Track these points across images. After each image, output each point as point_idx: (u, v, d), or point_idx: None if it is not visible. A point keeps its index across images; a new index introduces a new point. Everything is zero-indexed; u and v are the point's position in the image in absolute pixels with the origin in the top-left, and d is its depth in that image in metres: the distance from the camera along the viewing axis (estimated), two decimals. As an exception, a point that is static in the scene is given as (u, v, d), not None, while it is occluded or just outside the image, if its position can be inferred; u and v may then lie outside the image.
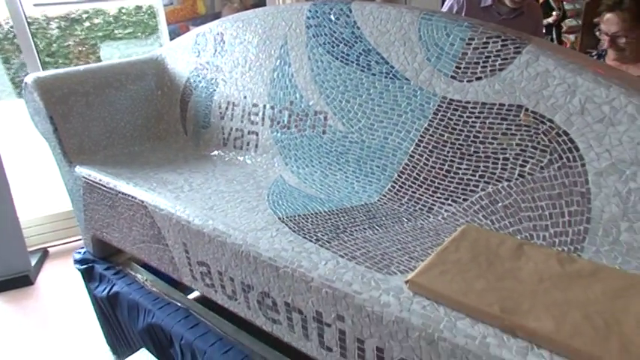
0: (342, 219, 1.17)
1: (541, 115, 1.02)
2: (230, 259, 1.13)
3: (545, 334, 0.73)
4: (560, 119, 0.99)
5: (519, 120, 1.05)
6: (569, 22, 6.85)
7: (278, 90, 1.52)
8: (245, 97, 1.63)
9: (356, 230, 1.10)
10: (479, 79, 1.11)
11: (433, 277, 0.87)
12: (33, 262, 2.86)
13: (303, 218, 1.17)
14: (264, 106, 1.57)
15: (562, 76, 0.99)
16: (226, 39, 1.70)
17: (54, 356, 2.10)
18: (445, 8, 1.89)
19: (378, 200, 1.27)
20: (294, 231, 1.10)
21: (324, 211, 1.21)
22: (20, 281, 2.75)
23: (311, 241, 1.05)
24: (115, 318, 1.80)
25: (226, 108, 1.68)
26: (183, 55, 1.86)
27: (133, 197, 1.39)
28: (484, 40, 1.11)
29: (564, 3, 7.25)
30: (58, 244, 3.15)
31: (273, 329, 1.13)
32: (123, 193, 1.44)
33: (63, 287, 2.67)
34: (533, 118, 1.03)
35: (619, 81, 0.94)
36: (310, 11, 1.45)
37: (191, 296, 1.67)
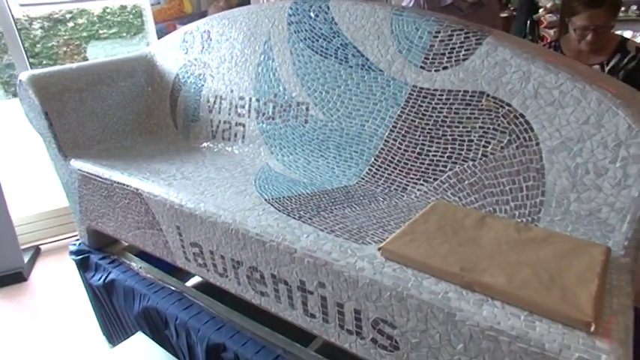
0: (323, 199, 1.27)
1: (500, 100, 1.13)
2: (221, 238, 1.22)
3: (498, 288, 0.83)
4: (517, 103, 1.10)
5: (481, 105, 1.16)
6: (549, 18, 7.02)
7: (263, 83, 1.62)
8: (232, 91, 1.72)
9: (336, 209, 1.20)
10: (445, 68, 1.22)
11: (403, 244, 0.97)
12: (26, 259, 2.92)
13: (287, 199, 1.27)
14: (250, 99, 1.66)
15: (518, 64, 1.10)
16: (213, 36, 1.79)
17: (50, 349, 2.17)
18: (406, 3, 1.96)
19: (357, 183, 1.37)
20: (279, 210, 1.20)
21: (307, 193, 1.31)
22: (14, 278, 2.80)
23: (294, 218, 1.15)
24: (111, 305, 1.88)
25: (214, 102, 1.77)
26: (172, 53, 1.94)
27: (128, 186, 1.48)
28: (449, 32, 1.22)
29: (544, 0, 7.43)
30: (50, 242, 3.20)
31: (261, 302, 1.23)
32: (118, 183, 1.52)
33: (56, 283, 2.74)
34: (494, 103, 1.14)
35: (567, 68, 1.05)
36: (291, 9, 1.55)
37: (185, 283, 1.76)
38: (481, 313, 0.81)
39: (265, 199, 1.27)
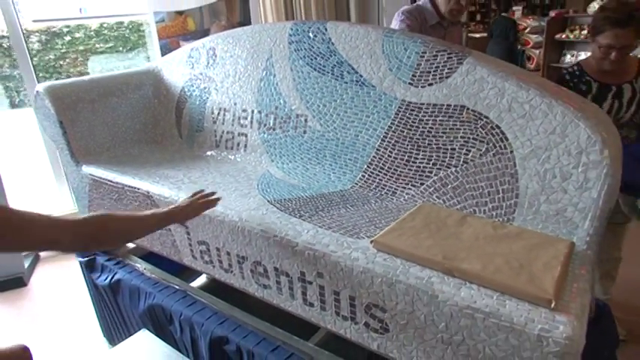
0: (320, 201, 1.39)
1: (479, 113, 1.27)
2: (227, 235, 1.34)
3: (475, 273, 0.96)
4: (494, 116, 1.25)
5: (462, 117, 1.30)
6: (535, 38, 7.29)
7: (265, 97, 1.75)
8: (235, 104, 1.85)
9: (332, 209, 1.33)
10: (430, 85, 1.36)
11: (393, 238, 1.10)
12: (26, 265, 2.99)
13: (288, 201, 1.39)
14: (253, 111, 1.79)
15: (494, 81, 1.25)
16: (218, 53, 1.93)
17: (51, 351, 2.25)
18: (399, 27, 2.05)
19: (351, 187, 1.50)
20: (281, 210, 1.32)
21: (306, 196, 1.43)
22: (14, 283, 2.88)
23: (295, 217, 1.28)
24: (116, 304, 1.98)
25: (218, 113, 1.91)
26: (178, 68, 2.08)
27: (139, 189, 1.60)
28: (434, 53, 1.36)
29: (530, 20, 7.71)
30: (49, 249, 3.27)
31: (264, 294, 1.34)
32: (129, 187, 1.64)
33: (55, 288, 2.82)
34: (473, 116, 1.28)
35: (536, 85, 1.20)
36: (292, 29, 1.69)
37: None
38: (460, 295, 0.93)
39: (268, 201, 1.39)
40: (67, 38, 10.14)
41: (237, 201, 1.39)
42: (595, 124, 1.11)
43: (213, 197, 1.26)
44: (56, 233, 0.90)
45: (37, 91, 1.88)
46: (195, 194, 1.28)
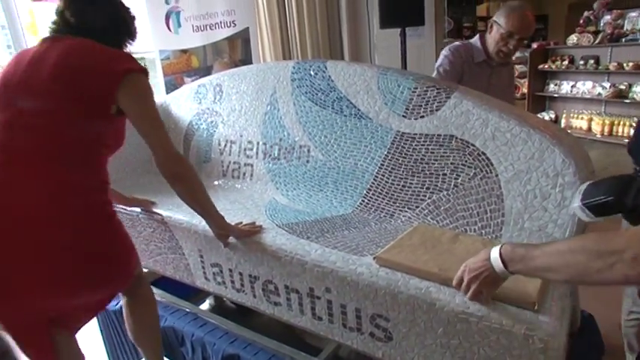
0: (325, 225, 1.52)
1: (466, 141, 1.42)
2: (240, 257, 1.45)
3: None
4: (480, 143, 1.39)
5: (452, 145, 1.45)
6: (520, 69, 7.61)
7: (269, 129, 1.90)
8: (241, 136, 1.99)
9: (336, 231, 1.45)
10: (422, 117, 1.51)
11: (393, 254, 1.22)
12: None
13: (295, 225, 1.51)
14: (258, 143, 1.93)
15: (479, 113, 1.40)
16: (224, 89, 2.08)
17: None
18: (441, 62, 2.12)
19: (352, 211, 1.63)
20: (289, 233, 1.44)
21: (311, 220, 1.56)
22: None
23: (303, 238, 1.40)
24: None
25: (225, 145, 2.04)
26: (186, 103, 2.22)
27: (153, 216, 1.71)
28: (425, 88, 1.52)
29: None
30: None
31: (274, 311, 1.45)
32: (143, 214, 1.75)
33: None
34: (461, 144, 1.43)
35: (516, 116, 1.36)
36: (294, 67, 1.85)
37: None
38: (455, 301, 1.05)
39: (277, 225, 1.51)
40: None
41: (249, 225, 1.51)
42: (568, 149, 1.26)
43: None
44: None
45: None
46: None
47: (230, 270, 1.51)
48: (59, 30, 1.31)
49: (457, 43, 2.17)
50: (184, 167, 1.35)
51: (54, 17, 1.31)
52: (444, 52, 2.15)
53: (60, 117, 1.22)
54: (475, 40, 2.12)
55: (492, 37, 2.02)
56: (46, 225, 1.19)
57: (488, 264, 0.96)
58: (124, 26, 1.37)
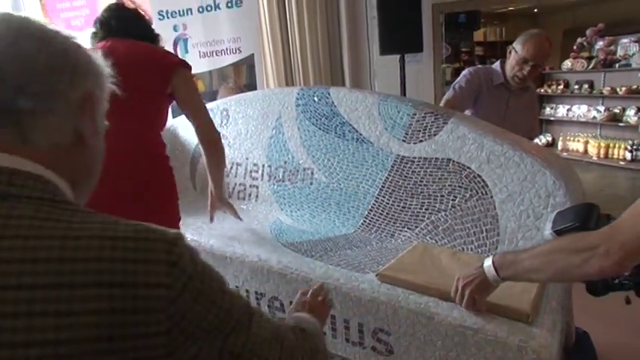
0: (328, 244, 1.58)
1: (463, 164, 1.50)
2: (247, 274, 1.52)
3: None
4: (475, 166, 1.47)
5: (449, 168, 1.53)
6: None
7: (274, 152, 1.98)
8: (247, 159, 2.07)
9: (339, 250, 1.52)
10: (421, 141, 1.59)
11: (394, 271, 1.29)
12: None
13: (300, 244, 1.58)
14: (263, 165, 2.01)
15: (474, 138, 1.48)
16: (231, 114, 2.17)
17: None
18: (458, 80, 2.16)
19: (354, 231, 1.69)
20: (294, 251, 1.51)
21: (315, 240, 1.62)
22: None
23: (308, 257, 1.46)
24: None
25: (231, 167, 2.12)
26: (194, 127, 2.31)
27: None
28: (423, 114, 1.61)
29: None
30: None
31: (279, 327, 1.50)
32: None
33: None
34: (458, 167, 1.51)
35: (509, 141, 1.44)
36: (299, 94, 1.94)
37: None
38: (452, 315, 1.11)
39: (282, 244, 1.58)
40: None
41: (255, 244, 1.58)
42: (559, 171, 1.33)
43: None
44: None
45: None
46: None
47: (237, 287, 1.57)
48: (104, 34, 1.53)
49: (479, 66, 2.26)
50: (220, 139, 1.67)
51: (97, 25, 1.56)
52: (465, 72, 2.23)
53: (136, 94, 1.37)
54: (496, 64, 2.19)
55: (509, 62, 2.09)
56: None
57: (481, 270, 1.04)
58: (156, 39, 1.64)
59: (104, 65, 0.61)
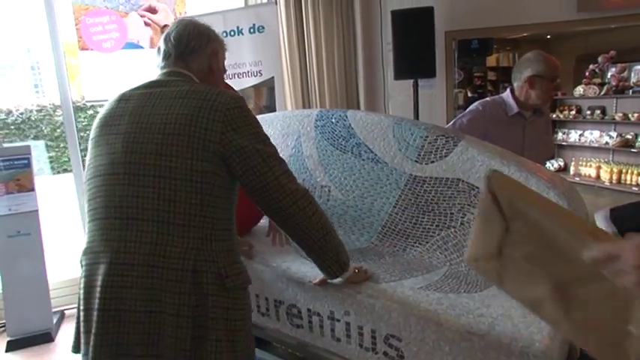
0: (344, 256, 1.68)
1: (471, 184, 1.60)
2: (266, 282, 1.62)
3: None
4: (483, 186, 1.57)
5: (459, 188, 1.63)
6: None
7: (294, 170, 2.06)
8: (267, 175, 2.19)
9: (354, 262, 1.61)
10: (433, 162, 1.70)
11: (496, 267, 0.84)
12: (54, 322, 3.20)
13: (317, 255, 1.68)
14: (282, 182, 2.13)
15: (482, 160, 1.59)
16: (253, 133, 2.30)
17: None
18: (462, 118, 2.17)
19: (368, 246, 1.79)
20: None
21: (331, 252, 1.72)
22: (43, 338, 3.07)
23: (325, 267, 1.56)
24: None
25: (252, 183, 2.24)
26: (217, 144, 2.44)
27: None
28: (435, 137, 1.72)
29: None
30: (74, 308, 3.47)
31: (297, 334, 1.59)
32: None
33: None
34: (468, 187, 1.61)
35: (515, 163, 1.54)
36: (317, 115, 2.07)
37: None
38: (459, 322, 1.20)
39: (301, 256, 1.68)
40: (90, 112, 10.85)
41: (275, 255, 1.69)
42: (562, 191, 1.43)
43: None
44: None
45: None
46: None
47: (257, 295, 1.67)
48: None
49: (487, 99, 2.26)
50: None
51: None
52: (472, 107, 2.21)
53: None
54: (507, 94, 2.18)
55: (524, 93, 2.10)
56: None
57: None
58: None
59: (222, 39, 1.43)
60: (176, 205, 1.14)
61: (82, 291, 1.21)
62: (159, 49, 1.36)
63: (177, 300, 1.12)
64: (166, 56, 1.33)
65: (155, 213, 1.14)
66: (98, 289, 1.14)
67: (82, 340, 1.21)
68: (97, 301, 1.14)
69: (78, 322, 1.25)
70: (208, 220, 1.17)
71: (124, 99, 1.27)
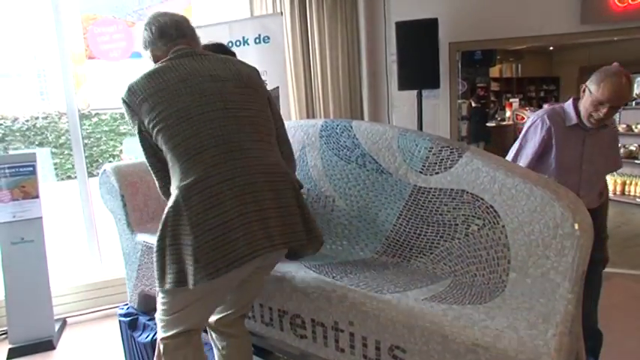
0: (348, 267, 1.68)
1: (476, 195, 1.60)
2: (270, 291, 1.62)
3: None
4: (488, 197, 1.57)
5: (463, 199, 1.63)
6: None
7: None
8: (272, 184, 2.20)
9: (358, 272, 1.62)
10: (437, 173, 1.70)
11: None
12: (56, 329, 3.19)
13: (321, 266, 1.68)
14: (287, 191, 2.13)
15: (487, 171, 1.59)
16: (258, 142, 2.31)
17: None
18: (528, 125, 2.15)
19: (372, 257, 1.79)
20: (316, 272, 1.61)
21: (336, 263, 1.73)
22: (45, 345, 3.07)
23: (329, 278, 1.56)
24: (155, 362, 2.18)
25: (256, 192, 2.24)
26: (222, 153, 2.46)
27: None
28: (439, 148, 1.72)
29: (527, 111, 8.34)
30: (75, 315, 3.46)
31: (300, 344, 1.59)
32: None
33: (81, 351, 2.99)
34: (472, 198, 1.61)
35: (519, 175, 1.54)
36: (322, 126, 2.08)
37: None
38: (465, 333, 1.20)
39: (305, 265, 1.68)
40: (94, 120, 10.94)
41: (279, 265, 1.68)
42: (566, 204, 1.42)
43: None
44: None
45: (105, 170, 2.24)
46: None
47: (261, 305, 1.67)
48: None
49: (548, 109, 2.17)
50: None
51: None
52: (531, 121, 2.13)
53: None
54: (568, 103, 2.09)
55: (583, 103, 1.99)
56: None
57: None
58: None
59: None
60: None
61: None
62: (159, 32, 1.55)
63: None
64: (172, 38, 1.55)
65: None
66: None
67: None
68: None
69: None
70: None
71: (172, 67, 1.46)
